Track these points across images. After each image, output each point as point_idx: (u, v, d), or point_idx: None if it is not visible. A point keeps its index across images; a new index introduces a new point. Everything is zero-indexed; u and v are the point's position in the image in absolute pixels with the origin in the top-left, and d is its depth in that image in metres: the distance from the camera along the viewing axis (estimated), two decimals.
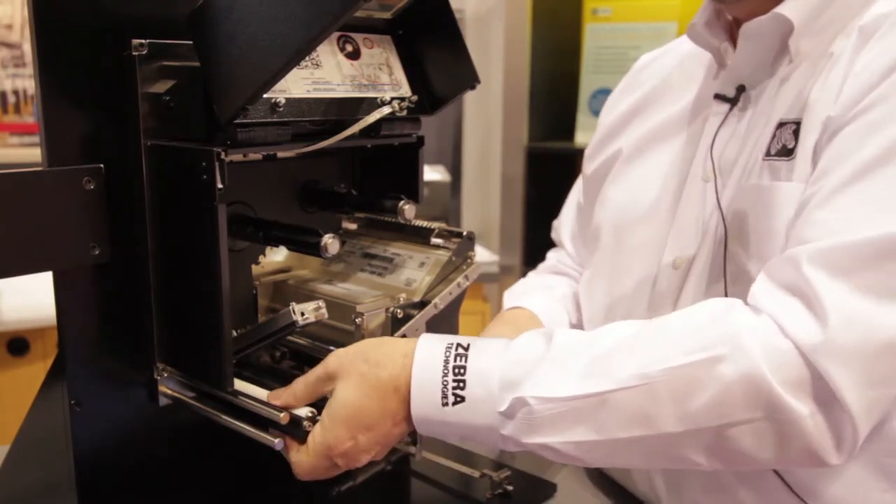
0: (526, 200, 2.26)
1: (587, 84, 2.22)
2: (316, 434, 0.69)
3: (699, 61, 0.94)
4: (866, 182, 0.65)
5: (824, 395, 0.61)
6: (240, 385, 0.74)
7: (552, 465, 0.97)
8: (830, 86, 0.73)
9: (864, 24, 0.73)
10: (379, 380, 0.69)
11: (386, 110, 0.75)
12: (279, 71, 0.62)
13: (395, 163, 0.86)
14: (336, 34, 0.75)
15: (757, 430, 0.62)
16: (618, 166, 0.99)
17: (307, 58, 0.71)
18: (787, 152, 0.75)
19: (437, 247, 0.84)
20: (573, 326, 1.04)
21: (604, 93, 2.19)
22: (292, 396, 0.72)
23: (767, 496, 0.78)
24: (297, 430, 0.70)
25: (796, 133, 0.74)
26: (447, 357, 0.68)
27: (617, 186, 0.98)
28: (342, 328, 0.79)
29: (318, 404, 0.71)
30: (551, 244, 1.20)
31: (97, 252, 0.72)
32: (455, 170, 2.75)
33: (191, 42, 0.67)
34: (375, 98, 0.76)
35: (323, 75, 0.73)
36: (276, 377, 0.81)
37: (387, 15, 0.79)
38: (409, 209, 0.81)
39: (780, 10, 0.78)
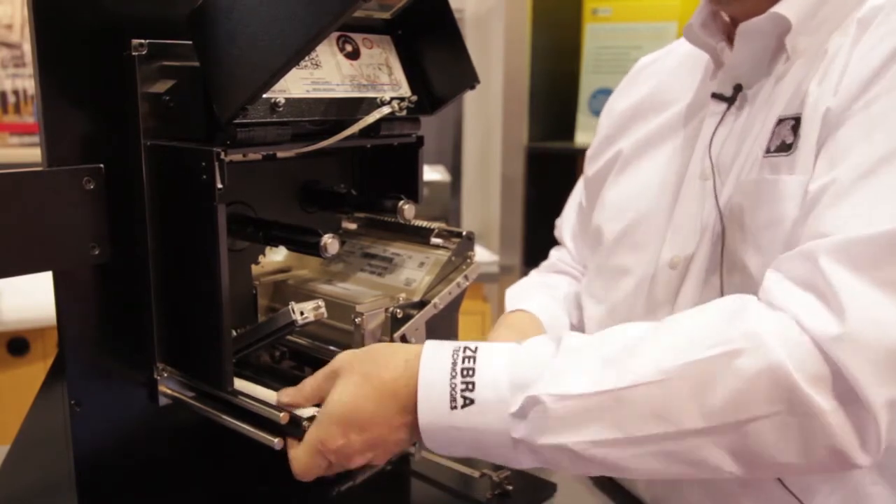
0: (526, 200, 2.26)
1: (587, 84, 2.22)
2: (311, 430, 0.69)
3: (697, 62, 0.94)
4: (879, 176, 0.64)
5: (844, 391, 0.59)
6: (241, 385, 0.74)
7: None
8: (829, 79, 0.73)
9: (861, 16, 0.74)
10: (380, 381, 0.68)
11: (386, 110, 0.75)
12: (279, 71, 0.62)
13: (394, 163, 0.86)
14: (336, 34, 0.75)
15: (779, 425, 0.60)
16: (618, 167, 0.99)
17: (307, 58, 0.71)
18: (786, 147, 0.75)
19: (437, 247, 0.84)
20: (574, 327, 1.04)
21: (604, 93, 2.19)
22: (300, 395, 0.71)
23: (767, 499, 0.78)
24: (296, 431, 0.69)
25: (794, 128, 0.74)
26: (455, 359, 0.67)
27: (616, 187, 0.98)
28: (342, 328, 0.79)
29: None
30: (551, 244, 1.20)
31: (97, 252, 0.72)
32: (455, 170, 2.75)
33: (191, 42, 0.67)
34: (375, 98, 0.76)
35: (322, 75, 0.73)
36: (276, 377, 0.81)
37: (386, 15, 0.79)
38: (408, 209, 0.81)
39: (778, 9, 0.78)
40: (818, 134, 0.72)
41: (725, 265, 0.79)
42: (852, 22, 0.74)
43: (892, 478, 0.76)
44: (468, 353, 0.67)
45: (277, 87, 0.67)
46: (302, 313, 0.72)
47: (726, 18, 0.88)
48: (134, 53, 0.70)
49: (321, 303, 0.73)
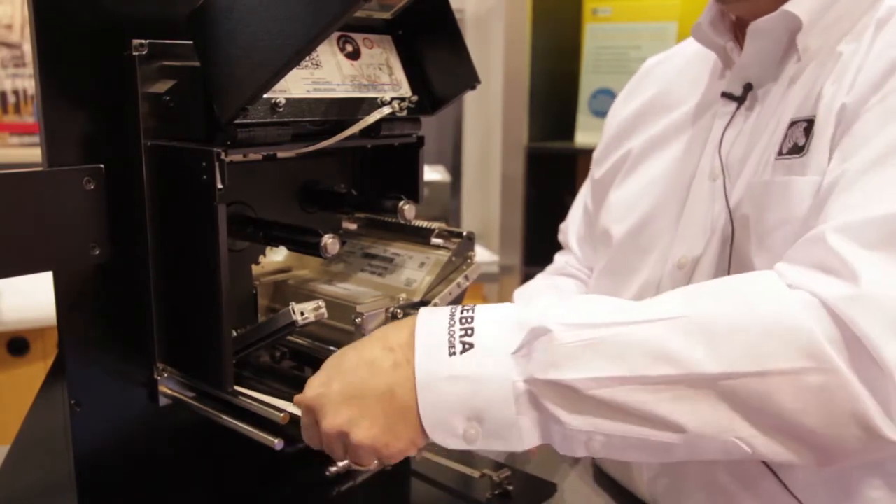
0: (526, 200, 2.26)
1: (587, 84, 2.22)
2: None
3: (705, 63, 0.94)
4: (888, 164, 0.63)
5: (861, 356, 0.56)
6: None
7: (553, 465, 0.97)
8: (845, 78, 0.72)
9: (880, 16, 0.73)
10: (372, 337, 0.67)
11: (386, 110, 0.75)
12: (279, 71, 0.62)
13: (395, 163, 0.86)
14: (336, 34, 0.75)
15: (800, 384, 0.57)
16: (626, 168, 0.99)
17: (307, 58, 0.71)
18: (799, 149, 0.74)
19: (437, 247, 0.84)
20: None
21: (604, 93, 2.19)
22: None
23: (768, 500, 0.78)
24: (297, 431, 0.69)
25: (807, 130, 0.74)
26: (452, 312, 0.64)
27: (624, 189, 0.98)
28: (342, 328, 0.79)
29: None
30: (551, 244, 1.20)
31: (97, 252, 0.72)
32: (455, 170, 2.75)
33: (191, 42, 0.67)
34: (375, 98, 0.76)
35: (323, 75, 0.73)
36: (276, 377, 0.81)
37: (387, 15, 0.79)
38: (409, 209, 0.81)
39: (789, 7, 0.78)
40: (832, 132, 0.71)
41: (733, 267, 0.79)
42: (868, 24, 0.74)
43: (894, 483, 0.76)
44: (466, 308, 0.64)
45: (278, 87, 0.67)
46: (302, 314, 0.72)
47: (733, 18, 0.88)
48: (134, 53, 0.70)
49: (321, 303, 0.73)
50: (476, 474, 0.89)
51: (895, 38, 0.70)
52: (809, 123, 0.74)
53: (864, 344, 0.56)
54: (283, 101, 0.68)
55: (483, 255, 2.41)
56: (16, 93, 2.28)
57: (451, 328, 0.62)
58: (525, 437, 0.61)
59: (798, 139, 0.75)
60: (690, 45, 0.96)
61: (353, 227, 0.92)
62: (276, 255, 0.89)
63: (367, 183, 0.91)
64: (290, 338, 0.81)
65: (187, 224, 0.71)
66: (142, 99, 0.71)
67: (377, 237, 0.90)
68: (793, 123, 0.76)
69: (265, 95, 0.66)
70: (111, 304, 0.74)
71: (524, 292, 1.09)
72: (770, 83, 0.83)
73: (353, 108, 0.75)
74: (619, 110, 1.07)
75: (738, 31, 0.87)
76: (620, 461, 0.92)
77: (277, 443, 0.70)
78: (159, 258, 0.73)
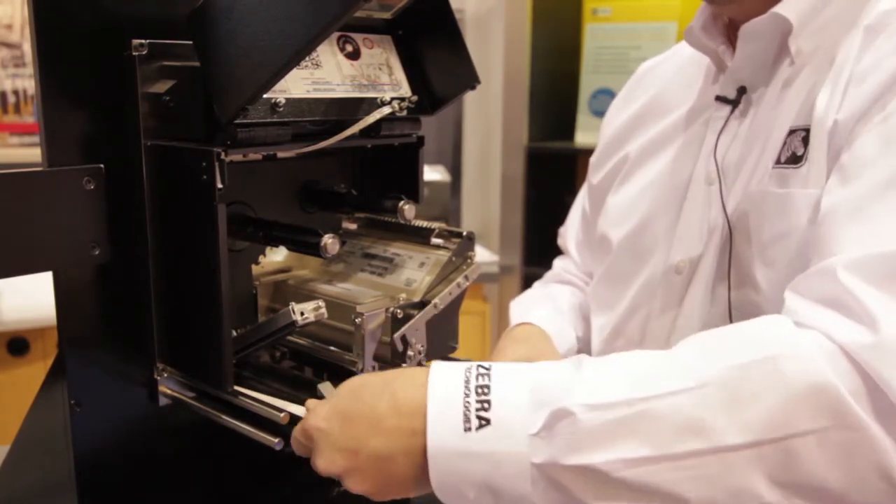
0: (526, 200, 2.26)
1: (587, 84, 2.23)
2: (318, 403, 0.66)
3: (699, 66, 0.94)
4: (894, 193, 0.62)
5: (885, 407, 0.55)
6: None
7: None
8: (836, 90, 0.72)
9: (869, 23, 0.72)
10: (384, 384, 0.63)
11: (386, 110, 0.75)
12: (279, 71, 0.62)
13: (395, 163, 0.86)
14: (336, 34, 0.75)
15: (824, 442, 0.55)
16: (623, 174, 0.99)
17: (307, 58, 0.71)
18: (796, 159, 0.74)
19: (437, 247, 0.84)
20: (580, 340, 1.04)
21: (604, 93, 2.19)
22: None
23: None
24: None
25: (805, 140, 0.73)
26: (468, 377, 0.60)
27: (621, 194, 0.98)
28: (342, 328, 0.79)
29: None
30: (551, 244, 1.20)
31: (97, 252, 0.72)
32: (455, 170, 2.75)
33: (191, 42, 0.67)
34: (375, 98, 0.76)
35: (323, 75, 0.73)
36: (276, 377, 0.81)
37: (387, 15, 0.79)
38: (409, 209, 0.81)
39: (778, 9, 0.78)
40: (827, 147, 0.70)
41: (733, 277, 0.78)
42: (860, 27, 0.73)
43: None
44: (482, 370, 0.61)
45: (278, 87, 0.67)
46: (302, 314, 0.72)
47: (726, 21, 0.88)
48: (134, 53, 0.70)
49: (321, 303, 0.73)
50: None
51: (890, 52, 0.68)
52: (807, 133, 0.73)
53: (887, 395, 0.55)
54: (283, 101, 0.68)
55: (483, 255, 2.41)
56: (16, 93, 2.28)
57: (467, 399, 0.59)
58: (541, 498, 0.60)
59: (796, 149, 0.74)
60: (685, 49, 0.96)
61: (353, 227, 0.92)
62: (276, 255, 0.89)
63: (367, 183, 0.91)
64: (290, 338, 0.81)
65: (187, 224, 0.71)
66: (142, 99, 0.71)
67: (377, 237, 0.90)
68: (792, 132, 0.76)
69: (265, 95, 0.66)
70: (111, 304, 0.74)
71: (521, 302, 1.09)
72: (763, 86, 0.82)
73: (353, 108, 0.75)
74: (615, 115, 1.07)
75: (731, 35, 0.87)
76: None
77: (277, 443, 0.70)
78: (159, 258, 0.73)
